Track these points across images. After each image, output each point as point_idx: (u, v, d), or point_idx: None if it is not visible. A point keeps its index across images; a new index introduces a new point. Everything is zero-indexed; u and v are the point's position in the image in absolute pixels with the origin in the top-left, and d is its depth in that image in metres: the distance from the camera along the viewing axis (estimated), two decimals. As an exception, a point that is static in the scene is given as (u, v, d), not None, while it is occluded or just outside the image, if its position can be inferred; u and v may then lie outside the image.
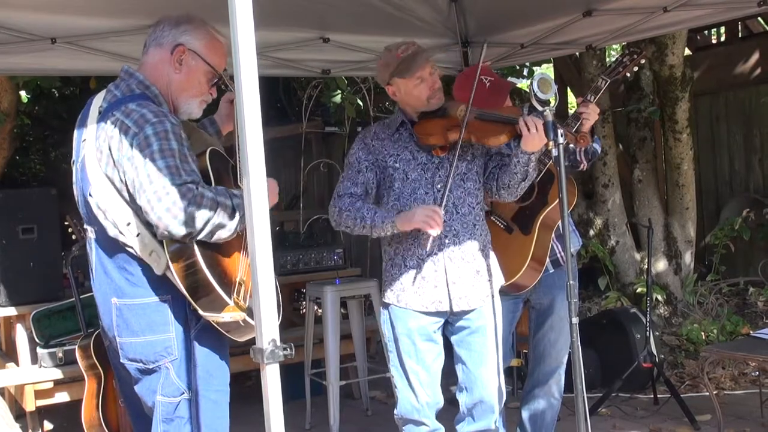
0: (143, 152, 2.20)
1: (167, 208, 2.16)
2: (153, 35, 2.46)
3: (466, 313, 2.92)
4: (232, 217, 2.22)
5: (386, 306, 2.98)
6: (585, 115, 3.05)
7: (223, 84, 2.55)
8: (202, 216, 2.17)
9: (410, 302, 2.89)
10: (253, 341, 1.94)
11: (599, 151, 3.36)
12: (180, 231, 2.17)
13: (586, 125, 3.08)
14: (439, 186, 2.89)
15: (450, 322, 2.96)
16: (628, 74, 3.24)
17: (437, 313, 2.91)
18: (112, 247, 2.34)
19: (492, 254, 3.01)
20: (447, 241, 2.88)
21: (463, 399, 2.99)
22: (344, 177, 2.97)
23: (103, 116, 2.33)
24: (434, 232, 2.73)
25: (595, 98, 3.11)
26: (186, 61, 2.43)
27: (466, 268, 2.90)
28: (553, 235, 3.27)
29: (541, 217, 3.21)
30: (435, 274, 2.88)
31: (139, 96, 2.34)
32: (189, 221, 2.16)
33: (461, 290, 2.89)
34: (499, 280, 3.03)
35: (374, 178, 2.95)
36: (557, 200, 3.12)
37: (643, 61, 3.20)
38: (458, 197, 2.91)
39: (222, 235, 2.23)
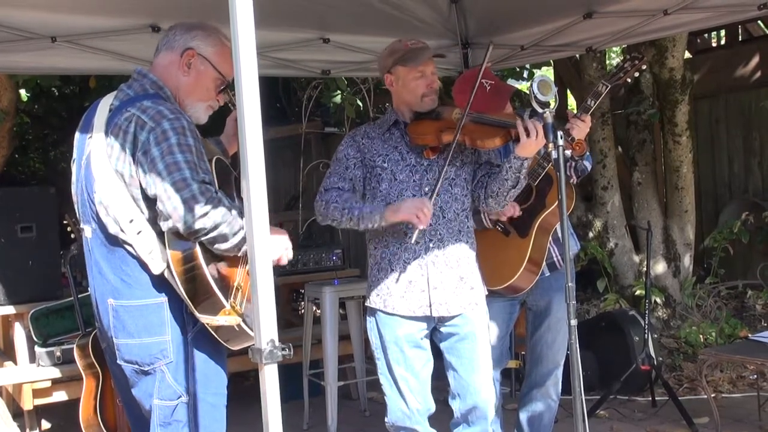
0: (160, 145, 2.21)
1: (185, 199, 2.16)
2: (165, 39, 2.47)
3: (452, 318, 2.91)
4: (236, 234, 2.21)
5: (372, 312, 2.96)
6: (573, 123, 3.05)
7: (230, 103, 2.56)
8: (214, 218, 2.18)
9: (397, 307, 2.88)
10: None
11: (588, 169, 3.35)
12: (191, 225, 2.17)
13: (574, 132, 3.07)
14: (426, 189, 2.88)
15: (438, 329, 2.95)
16: (629, 79, 3.23)
17: (424, 318, 2.89)
18: (110, 246, 2.34)
19: (477, 262, 3.00)
20: (431, 245, 2.87)
21: (456, 406, 2.98)
22: (331, 172, 2.96)
23: (115, 113, 2.33)
24: (421, 225, 2.71)
25: (595, 103, 3.11)
26: (195, 65, 2.44)
27: (449, 274, 2.89)
28: (550, 238, 3.27)
29: (539, 221, 3.21)
30: (421, 278, 2.87)
31: (153, 95, 2.36)
32: (202, 218, 2.17)
33: (442, 296, 2.87)
34: (484, 288, 3.01)
35: (361, 176, 2.94)
36: (555, 203, 3.12)
37: (644, 66, 3.19)
38: (445, 202, 2.90)
39: (221, 246, 2.23)
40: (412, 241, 2.80)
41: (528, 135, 2.71)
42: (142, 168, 2.24)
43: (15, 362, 4.48)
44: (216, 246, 2.23)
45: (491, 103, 3.09)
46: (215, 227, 2.19)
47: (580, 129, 3.07)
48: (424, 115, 2.95)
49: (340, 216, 2.84)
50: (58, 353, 4.22)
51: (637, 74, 3.24)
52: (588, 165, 3.32)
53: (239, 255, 2.28)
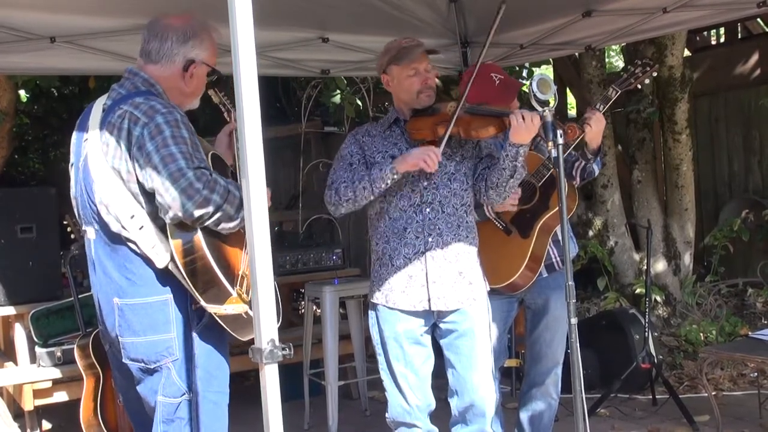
0: (155, 139, 2.23)
1: (183, 188, 2.17)
2: (162, 49, 2.44)
3: (451, 314, 2.91)
4: (240, 209, 2.23)
5: (374, 307, 2.98)
6: (589, 121, 3.04)
7: (222, 104, 2.59)
8: (214, 201, 2.20)
9: (398, 301, 2.89)
10: (252, 341, 1.94)
11: (596, 173, 3.35)
12: (193, 213, 2.18)
13: (589, 134, 3.07)
14: (425, 183, 2.89)
15: (438, 325, 2.96)
16: (639, 85, 3.23)
17: (424, 313, 2.90)
18: (113, 245, 2.35)
19: (478, 258, 3.00)
20: (431, 240, 2.88)
21: (454, 403, 2.99)
22: (336, 169, 2.99)
23: (108, 112, 2.35)
24: (430, 169, 2.77)
25: (604, 107, 3.11)
26: (196, 73, 2.48)
27: (448, 268, 2.89)
28: (549, 239, 3.27)
29: (541, 222, 3.21)
30: (420, 273, 2.88)
31: (145, 92, 2.38)
32: (202, 204, 2.18)
33: (440, 290, 2.88)
34: (485, 285, 3.01)
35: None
36: (557, 208, 3.13)
37: (655, 73, 3.19)
38: (444, 196, 2.91)
39: (227, 225, 2.25)
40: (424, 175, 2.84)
41: (517, 120, 2.72)
42: (138, 163, 2.25)
43: (15, 363, 4.48)
44: (221, 226, 2.24)
45: (500, 97, 3.11)
46: (217, 209, 2.20)
47: (599, 121, 3.07)
48: (421, 111, 2.98)
49: (353, 193, 2.85)
50: (59, 354, 4.22)
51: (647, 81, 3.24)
52: (596, 169, 3.32)
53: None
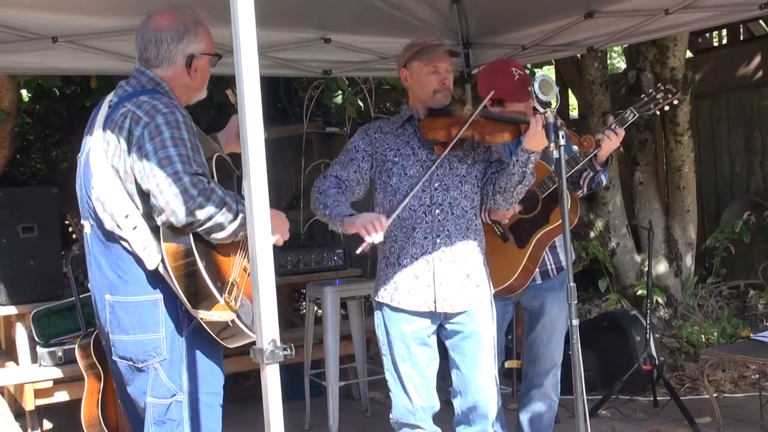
0: (154, 140, 2.22)
1: (177, 193, 2.16)
2: (159, 54, 2.43)
3: (457, 315, 2.91)
4: (232, 221, 2.22)
5: (380, 307, 2.97)
6: (606, 139, 3.04)
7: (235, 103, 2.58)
8: (207, 210, 2.18)
9: (403, 301, 2.89)
10: (251, 342, 1.94)
11: (603, 183, 3.34)
12: (185, 219, 2.17)
13: (604, 147, 3.07)
14: (437, 184, 2.89)
15: (444, 326, 2.96)
16: (658, 110, 3.23)
17: (430, 314, 2.90)
18: (107, 242, 2.35)
19: (485, 261, 3.00)
20: (439, 241, 2.88)
21: (457, 403, 2.99)
22: (336, 160, 3.00)
23: (113, 109, 2.36)
24: (370, 239, 2.70)
25: (620, 128, 3.11)
26: (198, 67, 2.47)
27: (456, 270, 2.89)
28: (546, 249, 3.27)
29: (539, 235, 3.21)
30: (427, 274, 2.88)
31: (151, 91, 2.38)
32: (195, 211, 2.17)
33: (447, 292, 2.88)
34: (490, 287, 3.01)
35: (368, 169, 2.96)
36: (557, 222, 3.15)
37: (675, 102, 3.18)
38: (454, 198, 2.91)
39: (218, 235, 2.23)
40: (357, 252, 2.80)
41: (539, 126, 2.70)
42: (136, 163, 2.25)
43: (17, 362, 4.48)
44: (213, 236, 2.23)
45: (516, 93, 3.12)
46: (209, 218, 2.19)
47: (611, 142, 3.07)
48: (436, 111, 2.97)
49: (317, 209, 2.92)
50: (60, 353, 4.22)
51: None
52: (604, 179, 3.31)
53: (237, 240, 2.29)
